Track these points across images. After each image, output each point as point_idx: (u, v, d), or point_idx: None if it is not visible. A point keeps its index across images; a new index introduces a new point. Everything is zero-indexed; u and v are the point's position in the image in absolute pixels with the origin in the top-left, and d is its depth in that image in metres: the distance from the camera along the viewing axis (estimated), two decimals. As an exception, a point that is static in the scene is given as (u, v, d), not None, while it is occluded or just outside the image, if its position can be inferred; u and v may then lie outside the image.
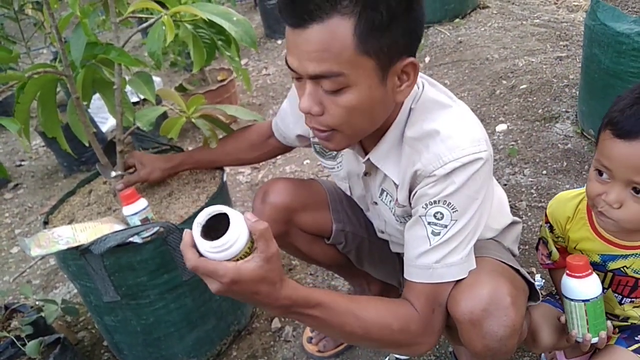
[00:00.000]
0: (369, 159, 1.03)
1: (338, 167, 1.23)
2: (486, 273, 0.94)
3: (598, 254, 1.04)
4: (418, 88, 0.98)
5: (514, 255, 1.19)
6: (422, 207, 0.92)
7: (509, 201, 1.52)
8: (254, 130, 1.44)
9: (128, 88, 1.38)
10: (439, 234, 0.91)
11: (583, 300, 0.98)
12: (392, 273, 1.44)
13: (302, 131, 1.27)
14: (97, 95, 1.45)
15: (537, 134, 2.33)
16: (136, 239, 1.24)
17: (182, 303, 1.42)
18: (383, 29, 0.80)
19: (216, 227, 0.74)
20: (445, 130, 0.91)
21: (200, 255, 0.75)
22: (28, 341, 1.40)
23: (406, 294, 0.95)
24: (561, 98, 2.53)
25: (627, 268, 1.01)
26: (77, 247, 1.22)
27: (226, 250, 0.73)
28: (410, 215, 0.98)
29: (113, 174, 1.42)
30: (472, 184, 0.89)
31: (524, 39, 3.28)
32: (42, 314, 1.55)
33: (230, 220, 0.73)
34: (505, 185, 2.06)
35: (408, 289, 0.95)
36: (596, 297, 0.98)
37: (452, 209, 0.90)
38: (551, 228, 1.14)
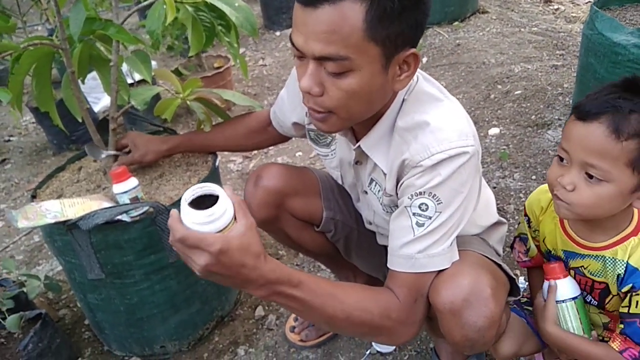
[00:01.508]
0: (359, 146, 1.04)
1: (332, 155, 1.24)
2: (468, 265, 0.95)
3: (562, 250, 1.06)
4: (412, 80, 0.99)
5: (498, 255, 1.20)
6: (408, 198, 0.93)
7: (498, 204, 1.54)
8: (253, 118, 1.45)
9: (124, 68, 1.37)
10: (423, 224, 0.92)
11: (572, 298, 1.01)
12: (378, 266, 1.45)
13: (298, 118, 1.27)
14: (90, 75, 1.43)
15: (528, 140, 2.35)
16: (125, 217, 1.24)
17: (167, 285, 1.42)
18: (393, 18, 0.81)
19: (202, 207, 0.75)
20: (435, 122, 0.93)
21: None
22: (8, 315, 1.39)
23: (389, 282, 0.97)
24: (554, 106, 2.56)
25: (585, 269, 1.03)
26: (64, 222, 1.21)
27: (213, 223, 0.74)
28: (397, 206, 1.00)
29: (103, 154, 1.41)
30: (457, 177, 0.91)
31: (521, 46, 3.30)
32: (24, 289, 1.54)
33: (219, 194, 0.75)
34: (495, 188, 2.08)
35: (391, 278, 0.97)
36: (580, 294, 1.02)
37: (437, 200, 0.91)
38: (529, 221, 1.15)
